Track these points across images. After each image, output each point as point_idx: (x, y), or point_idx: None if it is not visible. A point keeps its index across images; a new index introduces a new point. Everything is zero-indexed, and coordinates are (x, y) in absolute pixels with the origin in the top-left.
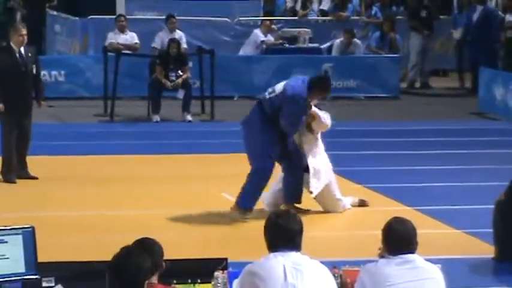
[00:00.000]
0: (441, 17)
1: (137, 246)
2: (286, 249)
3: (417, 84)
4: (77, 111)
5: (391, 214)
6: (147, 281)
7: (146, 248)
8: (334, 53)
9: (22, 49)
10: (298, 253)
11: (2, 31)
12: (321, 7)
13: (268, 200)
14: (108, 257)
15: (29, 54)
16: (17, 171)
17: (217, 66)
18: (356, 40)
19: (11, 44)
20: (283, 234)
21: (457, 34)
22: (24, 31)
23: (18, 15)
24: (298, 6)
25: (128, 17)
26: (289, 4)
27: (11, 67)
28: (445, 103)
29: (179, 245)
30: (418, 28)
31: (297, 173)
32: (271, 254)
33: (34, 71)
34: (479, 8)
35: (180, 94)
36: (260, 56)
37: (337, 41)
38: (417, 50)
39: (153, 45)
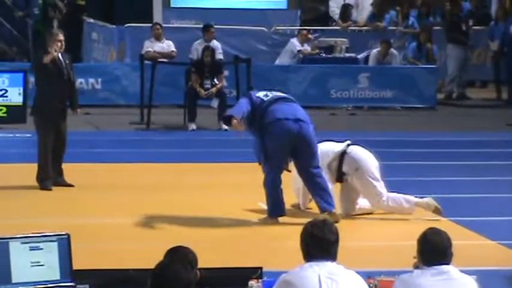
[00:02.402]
0: (479, 27)
1: (171, 255)
2: (322, 259)
3: (454, 95)
4: (113, 119)
5: (426, 225)
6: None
7: (180, 256)
8: (371, 63)
9: (60, 55)
10: (334, 263)
11: (40, 40)
12: (358, 17)
13: (302, 200)
14: (143, 264)
15: (66, 61)
16: (53, 178)
17: (254, 75)
18: (393, 50)
19: (50, 50)
20: (319, 244)
21: (494, 45)
22: (61, 37)
23: (55, 24)
24: (337, 16)
25: (164, 25)
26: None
27: (50, 72)
28: (482, 114)
29: (214, 253)
30: (458, 40)
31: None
32: (307, 264)
33: (70, 78)
34: None
35: (214, 103)
36: (296, 65)
37: (374, 51)
38: (457, 63)
39: (190, 56)
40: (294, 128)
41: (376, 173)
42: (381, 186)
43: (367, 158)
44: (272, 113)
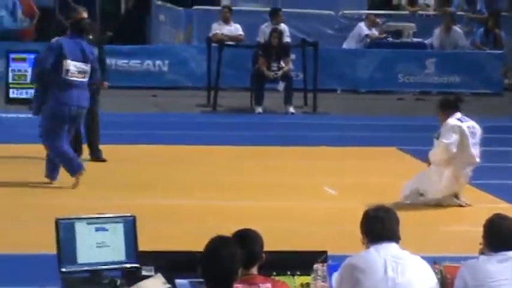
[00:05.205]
0: None
1: (237, 237)
2: (387, 241)
3: None
4: (179, 102)
5: (494, 211)
6: (240, 270)
7: (246, 238)
8: (435, 42)
9: None
10: (398, 246)
11: (108, 21)
12: (426, 1)
13: (404, 193)
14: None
15: (90, 37)
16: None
17: (321, 58)
18: (456, 28)
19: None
20: (383, 226)
21: None
22: (85, 14)
23: (123, 5)
24: (404, 1)
25: (232, 8)
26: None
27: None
28: None
29: (279, 237)
30: None
31: None
32: (372, 248)
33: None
34: None
35: (280, 86)
36: (364, 49)
37: (436, 30)
38: None
39: (257, 39)
40: None
41: None
42: None
43: None
44: None
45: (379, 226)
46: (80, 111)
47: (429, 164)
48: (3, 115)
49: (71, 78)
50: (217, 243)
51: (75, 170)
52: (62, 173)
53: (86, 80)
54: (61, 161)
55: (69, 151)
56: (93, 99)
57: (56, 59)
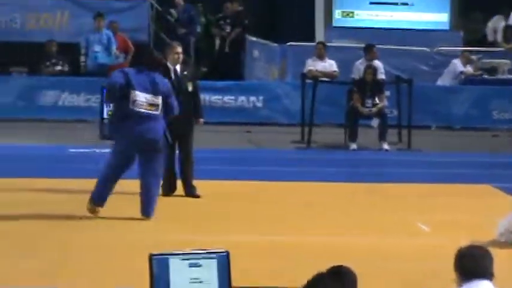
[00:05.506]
0: None
1: (332, 274)
2: (480, 278)
3: None
4: (274, 138)
5: None
6: None
7: (340, 275)
8: None
9: (178, 67)
10: (491, 284)
11: (203, 58)
12: None
13: (499, 231)
14: (300, 283)
15: (185, 73)
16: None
17: (415, 95)
18: None
19: (167, 62)
20: (477, 264)
21: None
22: (179, 49)
23: (217, 41)
24: (499, 37)
25: (327, 44)
26: (490, 37)
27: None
28: None
29: (371, 274)
30: None
31: None
32: (464, 286)
33: (190, 89)
34: None
35: (374, 122)
36: (458, 86)
37: None
38: None
39: (352, 76)
40: None
41: None
42: None
43: None
44: None
45: (472, 264)
46: (147, 142)
47: None
48: (97, 150)
49: (139, 110)
50: (318, 280)
51: (96, 199)
52: (160, 209)
53: (156, 112)
54: (97, 182)
55: (110, 181)
56: (187, 135)
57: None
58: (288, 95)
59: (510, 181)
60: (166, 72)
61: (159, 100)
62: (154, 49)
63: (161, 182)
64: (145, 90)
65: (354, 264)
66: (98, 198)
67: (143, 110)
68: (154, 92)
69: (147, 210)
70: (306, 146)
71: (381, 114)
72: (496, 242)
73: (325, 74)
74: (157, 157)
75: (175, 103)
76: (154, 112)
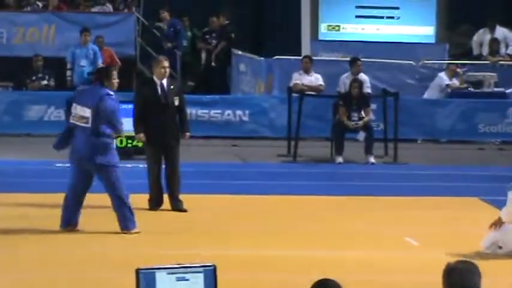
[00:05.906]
0: None
1: (317, 286)
2: None
3: None
4: (260, 151)
5: None
6: None
7: None
8: None
9: (164, 81)
10: None
11: (189, 72)
12: (508, 52)
13: (484, 244)
14: None
15: (171, 87)
16: (161, 202)
17: (401, 108)
18: None
19: (154, 76)
20: (463, 280)
21: None
22: (166, 63)
23: (203, 55)
24: (485, 51)
25: (313, 58)
26: (475, 51)
27: (151, 99)
28: None
29: (359, 287)
30: None
31: None
32: None
33: (176, 104)
34: None
35: (361, 136)
36: (444, 99)
37: None
38: None
39: (338, 89)
40: None
41: None
42: None
43: None
44: None
45: (459, 279)
46: (82, 160)
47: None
48: None
49: (72, 121)
50: None
51: (63, 225)
52: (147, 223)
53: (87, 125)
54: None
55: (69, 201)
56: (174, 149)
57: None
58: (274, 108)
59: (497, 194)
60: (152, 87)
61: (88, 113)
62: (141, 63)
63: (129, 196)
64: (84, 104)
65: (341, 277)
66: (63, 222)
67: (74, 122)
68: (91, 106)
69: (122, 224)
70: (292, 159)
71: (367, 127)
72: (483, 254)
73: (311, 88)
74: (106, 174)
75: (119, 126)
76: (84, 125)
